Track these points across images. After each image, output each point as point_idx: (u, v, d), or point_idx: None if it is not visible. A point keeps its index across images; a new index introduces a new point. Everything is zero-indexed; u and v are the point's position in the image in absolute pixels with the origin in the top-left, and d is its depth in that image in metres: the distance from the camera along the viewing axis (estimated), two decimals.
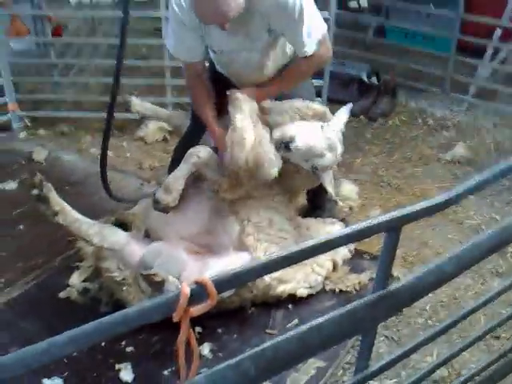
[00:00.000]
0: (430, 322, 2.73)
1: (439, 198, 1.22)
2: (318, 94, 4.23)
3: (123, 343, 2.55)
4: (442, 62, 5.20)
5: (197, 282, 0.98)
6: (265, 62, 2.70)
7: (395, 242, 1.21)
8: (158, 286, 2.35)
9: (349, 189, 3.44)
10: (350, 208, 3.42)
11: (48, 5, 4.87)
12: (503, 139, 4.55)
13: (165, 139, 4.47)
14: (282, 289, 2.67)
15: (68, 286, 2.78)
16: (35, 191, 2.46)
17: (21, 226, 3.35)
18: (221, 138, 2.58)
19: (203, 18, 2.35)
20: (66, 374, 2.39)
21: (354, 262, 3.02)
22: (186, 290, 0.96)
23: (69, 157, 4.16)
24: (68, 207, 2.55)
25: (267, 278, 2.57)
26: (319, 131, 2.59)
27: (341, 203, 3.14)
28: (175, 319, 0.98)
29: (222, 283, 0.99)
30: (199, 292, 0.98)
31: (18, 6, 4.79)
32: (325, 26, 2.61)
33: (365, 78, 5.03)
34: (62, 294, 2.75)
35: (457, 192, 1.24)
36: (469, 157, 4.22)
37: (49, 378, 2.37)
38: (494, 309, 2.67)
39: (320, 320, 1.15)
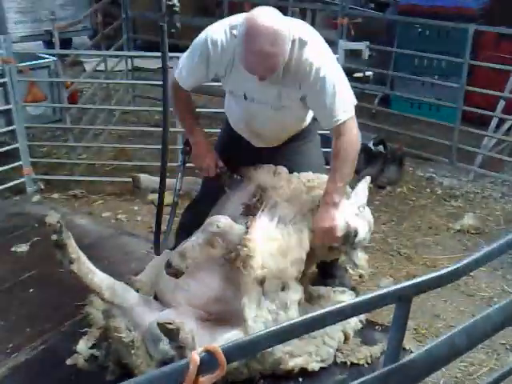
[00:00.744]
0: None
1: (448, 269, 1.23)
2: (327, 163, 4.29)
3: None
4: (447, 131, 5.31)
5: (207, 351, 0.98)
6: (290, 127, 2.78)
7: (406, 313, 1.21)
8: (172, 335, 2.30)
9: (359, 257, 3.44)
10: (360, 276, 3.39)
11: (64, 71, 5.08)
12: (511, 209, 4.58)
13: (176, 203, 4.51)
14: (293, 363, 2.60)
15: (75, 352, 2.74)
16: (54, 236, 2.40)
17: (30, 290, 3.34)
18: (199, 146, 2.77)
19: (251, 69, 2.39)
20: None
21: (366, 333, 2.96)
22: (196, 359, 0.96)
23: (82, 220, 4.19)
24: (84, 257, 2.52)
25: (278, 353, 2.51)
26: (359, 213, 2.70)
27: (351, 271, 3.13)
28: None
29: (232, 352, 0.99)
30: (209, 360, 0.98)
31: (35, 73, 4.97)
32: (354, 100, 2.57)
33: (371, 146, 5.11)
34: (68, 361, 2.71)
35: (466, 262, 1.25)
36: (478, 227, 4.23)
37: None
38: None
39: None
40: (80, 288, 2.96)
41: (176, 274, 2.52)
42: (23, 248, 3.78)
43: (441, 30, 6.06)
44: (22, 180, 4.60)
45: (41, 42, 8.79)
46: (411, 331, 3.11)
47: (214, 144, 3.02)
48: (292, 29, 2.40)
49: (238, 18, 2.50)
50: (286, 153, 2.83)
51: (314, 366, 2.67)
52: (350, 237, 2.62)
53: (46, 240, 2.66)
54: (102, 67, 5.96)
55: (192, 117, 2.83)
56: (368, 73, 7.25)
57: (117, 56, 5.98)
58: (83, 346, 2.75)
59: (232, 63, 2.53)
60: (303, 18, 9.91)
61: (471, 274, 3.25)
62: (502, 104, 4.97)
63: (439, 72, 6.06)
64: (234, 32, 2.42)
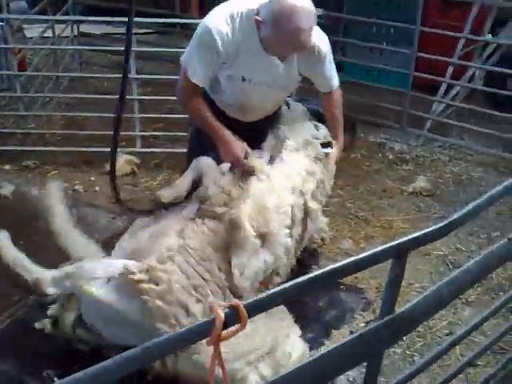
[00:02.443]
0: (408, 352, 2.83)
1: (440, 224, 1.31)
2: None
3: None
4: (398, 97, 5.45)
5: (230, 306, 1.01)
6: (278, 101, 3.01)
7: (402, 268, 1.28)
8: None
9: (320, 220, 3.53)
10: (322, 239, 3.50)
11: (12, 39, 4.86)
12: (460, 171, 4.80)
13: (133, 172, 4.48)
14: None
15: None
16: None
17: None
18: (229, 143, 2.74)
19: (290, 49, 2.59)
20: None
21: (333, 295, 3.16)
22: (221, 315, 1.00)
23: (36, 191, 4.09)
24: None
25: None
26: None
27: (315, 235, 3.25)
28: (210, 344, 1.02)
29: (253, 308, 1.03)
30: (231, 316, 1.01)
31: None
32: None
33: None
34: (37, 325, 2.61)
35: (457, 217, 1.33)
36: (430, 189, 4.42)
37: None
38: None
39: (332, 346, 1.21)
40: (46, 259, 2.96)
41: (157, 204, 2.71)
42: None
43: None
44: None
45: None
46: (373, 290, 3.26)
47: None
48: None
49: (236, 6, 2.60)
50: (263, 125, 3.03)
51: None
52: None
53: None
54: (47, 34, 5.74)
55: (212, 116, 2.76)
56: None
57: (64, 21, 5.75)
58: (53, 310, 2.71)
59: (237, 51, 2.60)
60: None
61: None
62: (450, 70, 5.14)
63: (389, 39, 6.17)
64: (258, 18, 2.51)
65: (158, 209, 2.79)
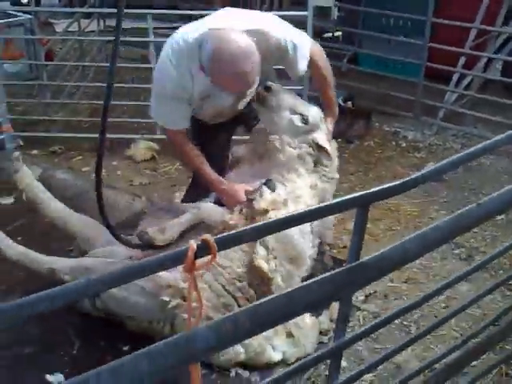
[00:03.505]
0: (405, 322, 2.98)
1: (401, 180, 1.46)
2: None
3: (120, 344, 2.66)
4: (411, 87, 5.55)
5: (202, 240, 1.19)
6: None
7: (365, 218, 1.44)
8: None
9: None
10: None
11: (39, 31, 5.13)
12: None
13: (153, 158, 4.70)
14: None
15: None
16: None
17: (18, 238, 3.48)
18: (229, 189, 2.73)
19: (239, 91, 2.52)
20: (66, 370, 2.55)
21: None
22: (194, 245, 1.18)
23: (63, 175, 4.33)
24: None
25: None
26: None
27: None
28: (185, 270, 1.20)
29: (222, 242, 1.21)
30: (203, 248, 1.19)
31: (11, 31, 5.01)
32: (308, 41, 2.85)
33: (341, 103, 5.34)
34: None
35: (420, 174, 1.48)
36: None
37: (51, 373, 2.52)
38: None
39: (308, 282, 1.37)
40: (65, 236, 3.19)
41: (148, 241, 2.61)
42: (8, 200, 3.94)
43: None
44: (1, 137, 4.71)
45: (7, 2, 8.69)
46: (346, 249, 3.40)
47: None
48: (249, 26, 2.51)
49: (181, 37, 2.53)
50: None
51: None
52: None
53: None
54: (73, 28, 6.01)
55: (207, 167, 2.74)
56: (337, 33, 7.44)
57: (89, 15, 6.01)
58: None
59: (202, 93, 2.58)
60: None
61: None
62: (462, 60, 5.22)
63: (405, 31, 6.26)
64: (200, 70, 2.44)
65: (148, 247, 2.66)
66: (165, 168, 4.64)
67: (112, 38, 5.74)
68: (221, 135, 3.05)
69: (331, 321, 2.88)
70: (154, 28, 4.60)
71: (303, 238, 2.67)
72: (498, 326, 2.45)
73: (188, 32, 2.56)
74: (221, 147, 3.08)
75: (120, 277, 1.16)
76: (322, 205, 1.39)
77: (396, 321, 3.00)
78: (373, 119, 5.52)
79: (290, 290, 1.34)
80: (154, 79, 2.68)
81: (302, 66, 2.82)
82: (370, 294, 3.16)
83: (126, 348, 2.65)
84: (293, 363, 2.58)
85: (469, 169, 4.68)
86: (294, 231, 2.59)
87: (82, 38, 5.80)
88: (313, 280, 1.39)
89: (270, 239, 2.54)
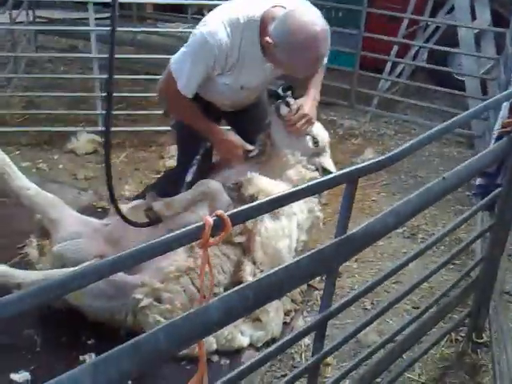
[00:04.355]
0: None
1: (386, 155, 1.57)
2: None
3: (84, 337, 2.67)
4: (346, 76, 5.75)
5: (217, 215, 1.24)
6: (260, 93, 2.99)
7: (353, 192, 1.54)
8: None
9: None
10: None
11: None
12: (402, 144, 5.15)
13: (95, 151, 4.61)
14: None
15: None
16: None
17: None
18: (226, 142, 2.73)
19: (305, 71, 2.57)
20: (32, 367, 2.50)
21: None
22: (210, 221, 1.22)
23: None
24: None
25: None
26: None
27: None
28: (200, 246, 1.24)
29: (236, 217, 1.26)
30: (218, 223, 1.24)
31: None
32: None
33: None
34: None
35: (399, 150, 1.60)
36: None
37: (16, 372, 2.47)
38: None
39: (297, 258, 1.45)
40: (20, 231, 3.10)
41: (152, 219, 2.58)
42: None
43: None
44: None
45: None
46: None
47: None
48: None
49: (235, 12, 2.46)
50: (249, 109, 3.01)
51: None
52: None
53: None
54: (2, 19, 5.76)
55: (204, 117, 2.69)
56: None
57: (20, 4, 5.78)
58: None
59: (237, 62, 2.52)
60: None
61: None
62: (395, 49, 5.48)
63: (338, 21, 6.45)
64: (269, 40, 2.37)
65: (156, 223, 2.63)
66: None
67: (44, 28, 5.58)
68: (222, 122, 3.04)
69: (292, 301, 2.99)
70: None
71: (289, 254, 2.74)
72: (447, 297, 2.65)
73: (241, 10, 2.46)
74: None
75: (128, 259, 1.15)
76: (313, 182, 1.47)
77: (350, 297, 3.15)
78: None
79: (285, 264, 1.41)
80: (198, 38, 2.47)
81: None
82: None
83: (90, 342, 2.66)
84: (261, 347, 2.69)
85: None
86: (282, 245, 2.68)
87: (14, 28, 5.55)
88: (304, 255, 1.48)
89: (259, 252, 2.62)
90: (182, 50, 2.57)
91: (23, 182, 2.81)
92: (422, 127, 5.36)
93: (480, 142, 4.78)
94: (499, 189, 2.35)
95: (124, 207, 2.67)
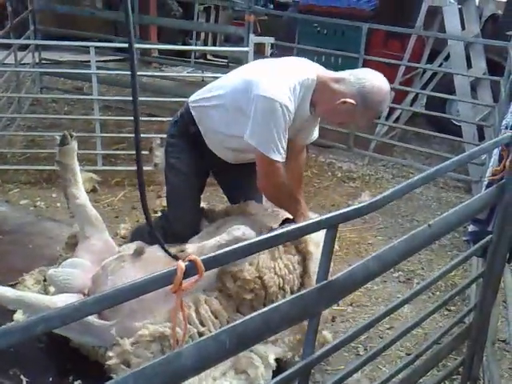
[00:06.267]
0: (352, 344, 3.05)
1: (366, 202, 1.58)
2: None
3: (70, 378, 2.62)
4: None
5: (190, 260, 1.24)
6: None
7: (333, 238, 1.53)
8: None
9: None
10: None
11: None
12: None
13: (94, 189, 4.63)
14: None
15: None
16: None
17: None
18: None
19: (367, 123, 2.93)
20: None
21: None
22: (182, 266, 1.22)
23: (0, 208, 4.21)
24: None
25: None
26: None
27: None
28: (172, 290, 1.23)
29: (209, 262, 1.26)
30: (191, 268, 1.24)
31: None
32: None
33: None
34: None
35: (379, 198, 1.60)
36: None
37: None
38: None
39: (279, 302, 1.44)
40: (13, 268, 3.10)
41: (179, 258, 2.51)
42: None
43: (337, 29, 6.60)
44: None
45: None
46: None
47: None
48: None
49: (292, 76, 2.55)
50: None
51: None
52: None
53: None
54: (8, 61, 5.90)
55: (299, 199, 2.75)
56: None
57: (27, 46, 5.93)
58: (19, 315, 2.82)
59: (293, 122, 2.57)
60: (207, 15, 10.23)
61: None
62: (392, 95, 5.55)
63: (336, 68, 6.57)
64: (352, 101, 2.52)
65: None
66: (107, 199, 4.59)
67: (49, 70, 5.71)
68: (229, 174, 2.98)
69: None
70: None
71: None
72: (440, 344, 2.61)
73: (292, 77, 2.55)
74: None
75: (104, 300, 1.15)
76: (294, 227, 1.47)
77: (336, 342, 3.10)
78: (309, 151, 5.71)
79: (264, 310, 1.40)
80: (263, 98, 2.47)
81: (317, 132, 2.93)
82: None
83: (76, 383, 2.62)
84: None
85: (401, 197, 4.94)
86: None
87: (15, 69, 5.67)
88: (285, 300, 1.47)
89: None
90: (254, 123, 2.53)
91: (77, 192, 3.05)
92: (420, 171, 5.39)
93: (477, 187, 4.79)
94: (490, 236, 2.34)
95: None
